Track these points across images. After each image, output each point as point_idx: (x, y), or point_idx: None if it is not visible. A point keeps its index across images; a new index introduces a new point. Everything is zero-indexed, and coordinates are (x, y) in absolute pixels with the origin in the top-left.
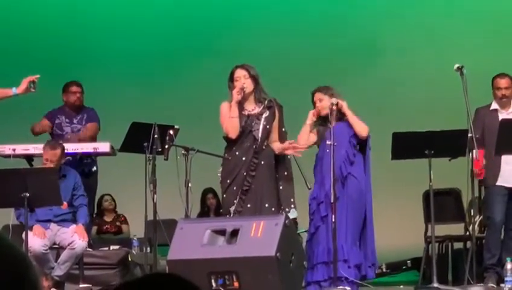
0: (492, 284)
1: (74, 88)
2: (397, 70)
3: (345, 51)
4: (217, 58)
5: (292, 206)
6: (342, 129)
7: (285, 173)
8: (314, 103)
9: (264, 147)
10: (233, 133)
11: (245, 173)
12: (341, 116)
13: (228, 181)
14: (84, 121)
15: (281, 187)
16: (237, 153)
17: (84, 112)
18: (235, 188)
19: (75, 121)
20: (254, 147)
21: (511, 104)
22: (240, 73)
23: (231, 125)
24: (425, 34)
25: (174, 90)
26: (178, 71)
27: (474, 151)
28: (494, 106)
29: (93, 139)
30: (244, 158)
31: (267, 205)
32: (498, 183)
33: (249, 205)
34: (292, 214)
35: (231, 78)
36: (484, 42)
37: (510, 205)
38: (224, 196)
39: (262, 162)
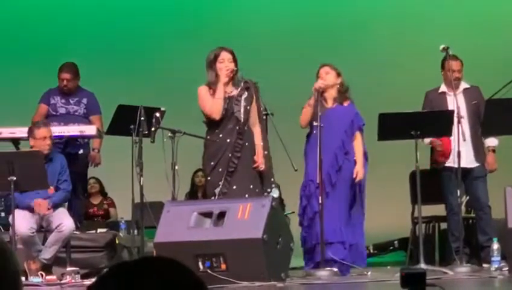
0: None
1: (63, 75)
2: (384, 51)
3: (335, 30)
4: (203, 40)
5: (273, 185)
6: (339, 114)
7: (265, 153)
8: (318, 77)
9: (245, 128)
10: (217, 114)
11: (230, 155)
12: (341, 99)
13: (212, 163)
14: (82, 104)
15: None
16: (221, 135)
17: (83, 95)
18: (220, 169)
19: (71, 101)
20: (237, 128)
21: (459, 86)
22: (226, 56)
23: (216, 107)
24: (412, 15)
25: (161, 73)
26: (165, 54)
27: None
28: (443, 88)
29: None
30: (228, 140)
31: (251, 187)
32: (448, 164)
33: (234, 187)
34: (274, 193)
35: (215, 60)
36: (469, 23)
37: (469, 186)
38: (209, 178)
39: (247, 144)
